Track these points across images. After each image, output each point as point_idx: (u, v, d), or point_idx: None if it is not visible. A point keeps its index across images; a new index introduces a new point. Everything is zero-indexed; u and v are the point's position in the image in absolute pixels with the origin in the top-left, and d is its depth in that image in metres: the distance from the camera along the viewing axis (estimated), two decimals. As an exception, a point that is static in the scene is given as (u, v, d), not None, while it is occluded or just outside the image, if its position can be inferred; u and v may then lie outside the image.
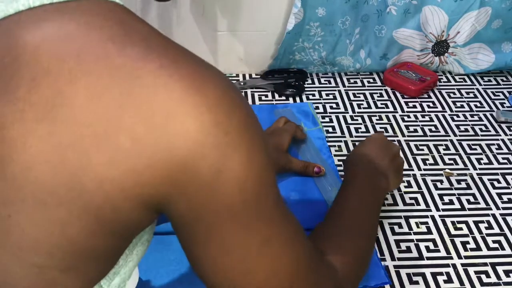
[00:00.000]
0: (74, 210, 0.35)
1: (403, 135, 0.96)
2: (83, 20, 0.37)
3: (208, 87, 0.36)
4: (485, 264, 0.73)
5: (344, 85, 1.10)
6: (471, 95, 1.08)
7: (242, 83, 1.07)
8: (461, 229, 0.79)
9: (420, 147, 0.94)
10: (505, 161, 0.91)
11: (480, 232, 0.78)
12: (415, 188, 0.85)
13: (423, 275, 0.72)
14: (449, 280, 0.71)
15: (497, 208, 0.82)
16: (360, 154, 0.75)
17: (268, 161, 0.40)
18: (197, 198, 0.37)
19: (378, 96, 1.07)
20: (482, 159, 0.91)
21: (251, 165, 0.38)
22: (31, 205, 0.35)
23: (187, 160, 0.35)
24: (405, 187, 0.85)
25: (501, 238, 0.77)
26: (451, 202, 0.83)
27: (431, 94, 1.08)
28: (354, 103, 1.04)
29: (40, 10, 0.38)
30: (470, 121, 1.01)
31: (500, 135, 0.97)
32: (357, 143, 0.93)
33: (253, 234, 0.40)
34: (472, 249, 0.76)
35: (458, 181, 0.87)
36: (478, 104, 1.06)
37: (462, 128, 0.99)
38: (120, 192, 0.35)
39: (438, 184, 0.86)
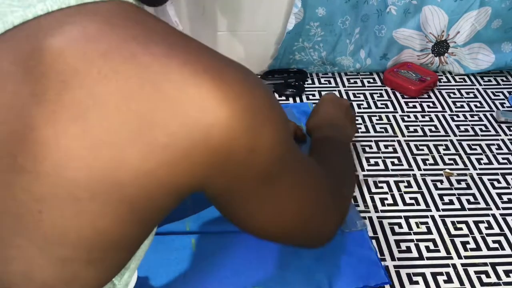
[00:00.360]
0: (107, 202, 0.37)
1: (403, 135, 0.96)
2: (104, 21, 0.39)
3: (231, 77, 0.39)
4: (485, 264, 0.73)
5: (344, 85, 1.10)
6: (471, 95, 1.08)
7: (242, 83, 1.07)
8: (461, 229, 0.79)
9: (420, 147, 0.94)
10: (505, 161, 0.91)
11: (480, 232, 0.78)
12: (415, 188, 0.85)
13: (423, 275, 0.72)
14: (449, 280, 0.71)
15: (497, 208, 0.82)
16: (320, 114, 0.84)
17: (288, 128, 0.45)
18: (234, 174, 0.40)
19: (378, 96, 1.07)
20: (482, 159, 0.91)
21: (277, 137, 0.41)
22: (63, 200, 0.36)
23: (222, 145, 0.38)
24: (405, 187, 0.85)
25: (501, 238, 0.77)
26: (451, 202, 0.83)
27: (431, 94, 1.08)
28: (354, 103, 1.04)
29: (59, 13, 0.39)
30: (470, 121, 1.01)
31: (500, 135, 0.97)
32: (357, 143, 0.93)
33: (281, 184, 0.45)
34: (472, 249, 0.76)
35: (458, 181, 0.87)
36: (478, 104, 1.06)
37: (462, 128, 0.99)
38: (156, 183, 0.37)
39: (438, 184, 0.86)
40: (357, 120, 1.00)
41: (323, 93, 1.07)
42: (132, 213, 0.38)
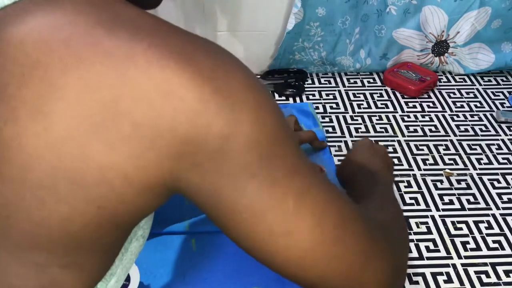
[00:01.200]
0: (75, 204, 0.35)
1: (403, 135, 0.96)
2: (69, 8, 0.36)
3: (200, 58, 0.36)
4: (485, 264, 0.73)
5: (344, 85, 1.10)
6: (471, 95, 1.08)
7: (242, 83, 1.07)
8: (461, 229, 0.79)
9: (420, 147, 0.94)
10: (505, 161, 0.91)
11: (480, 232, 0.78)
12: (415, 188, 0.85)
13: (423, 275, 0.72)
14: (449, 280, 0.71)
15: (497, 208, 0.82)
16: (353, 161, 0.74)
17: (279, 116, 0.38)
18: (209, 166, 0.36)
19: (378, 96, 1.07)
20: (482, 159, 0.91)
21: (261, 122, 0.36)
22: (29, 204, 0.35)
23: (191, 133, 0.35)
24: (405, 187, 0.85)
25: (501, 238, 0.77)
26: (451, 202, 0.83)
27: (431, 94, 1.08)
28: (354, 103, 1.04)
29: (26, 2, 0.37)
30: (470, 121, 1.01)
31: (500, 135, 0.97)
32: (357, 143, 0.93)
33: (281, 189, 0.38)
34: (472, 249, 0.76)
35: (458, 181, 0.87)
36: (478, 104, 1.06)
37: (462, 128, 0.99)
38: (124, 179, 0.35)
39: (438, 184, 0.86)
40: (357, 120, 1.00)
41: (323, 93, 1.07)
42: (102, 216, 0.36)
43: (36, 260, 0.36)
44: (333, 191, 0.42)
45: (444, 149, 0.93)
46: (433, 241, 0.77)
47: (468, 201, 0.83)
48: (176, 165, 0.35)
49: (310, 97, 1.06)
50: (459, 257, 0.74)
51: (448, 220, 0.80)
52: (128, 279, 0.60)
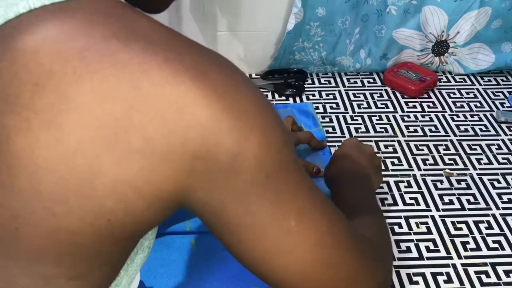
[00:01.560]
0: (85, 216, 0.35)
1: (403, 135, 0.96)
2: (84, 18, 0.36)
3: (213, 75, 0.36)
4: (485, 264, 0.73)
5: (344, 85, 1.10)
6: (471, 95, 1.08)
7: (242, 83, 1.07)
8: (461, 229, 0.79)
9: (420, 147, 0.94)
10: (505, 161, 0.91)
11: (480, 232, 0.78)
12: (415, 188, 0.85)
13: (423, 275, 0.72)
14: (449, 280, 0.71)
15: (497, 208, 0.82)
16: (340, 162, 0.74)
17: (285, 136, 0.39)
18: (217, 183, 0.37)
19: (378, 96, 1.07)
20: (482, 159, 0.91)
21: (268, 143, 0.37)
22: (39, 216, 0.34)
23: (202, 150, 0.35)
24: (405, 187, 0.85)
25: (501, 238, 0.77)
26: (451, 202, 0.83)
27: (431, 94, 1.08)
28: (354, 103, 1.04)
29: (41, 11, 0.36)
30: (470, 121, 1.01)
31: (500, 135, 0.97)
32: (357, 143, 0.93)
33: (284, 208, 0.39)
34: (472, 249, 0.76)
35: (458, 181, 0.87)
36: (478, 104, 1.06)
37: (462, 128, 0.99)
38: (134, 192, 0.35)
39: (438, 184, 0.86)
40: (357, 120, 1.00)
41: (323, 93, 1.07)
42: (111, 228, 0.36)
43: (44, 272, 0.36)
44: (331, 210, 0.43)
45: (444, 149, 0.93)
46: (433, 241, 0.77)
47: (468, 201, 0.83)
48: (186, 180, 0.36)
49: (310, 97, 1.06)
50: (459, 257, 0.74)
51: (448, 220, 0.80)
52: None
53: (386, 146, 0.93)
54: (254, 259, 0.41)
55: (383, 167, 0.89)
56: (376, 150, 0.93)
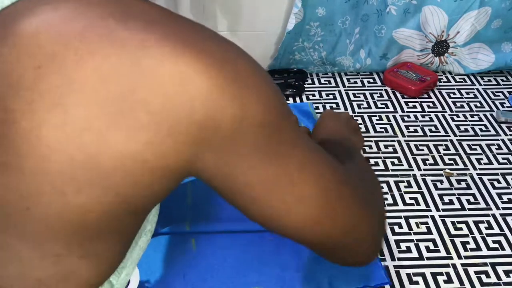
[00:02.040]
0: (93, 192, 0.36)
1: (403, 135, 0.96)
2: (80, 0, 0.37)
3: (211, 48, 0.37)
4: (485, 264, 0.73)
5: (344, 85, 1.10)
6: (471, 95, 1.08)
7: (242, 83, 1.07)
8: (461, 229, 0.79)
9: (420, 147, 0.94)
10: (505, 161, 0.91)
11: (480, 232, 0.78)
12: (415, 188, 0.85)
13: (423, 275, 0.72)
14: (449, 280, 0.71)
15: (497, 208, 0.82)
16: (320, 130, 0.78)
17: (279, 95, 0.41)
18: (224, 148, 0.38)
19: (378, 96, 1.07)
20: (482, 159, 0.91)
21: (267, 103, 0.39)
22: (49, 196, 0.35)
23: (207, 118, 0.36)
24: (405, 187, 0.85)
25: (501, 238, 0.77)
26: (451, 202, 0.83)
27: (431, 94, 1.08)
28: (354, 103, 1.04)
29: None
30: (470, 121, 1.01)
31: (500, 135, 0.97)
32: (357, 143, 0.93)
33: (286, 162, 0.41)
34: (472, 249, 0.76)
35: (458, 181, 0.87)
36: (478, 104, 1.06)
37: (462, 128, 0.99)
38: (141, 166, 0.36)
39: (438, 184, 0.86)
40: (357, 120, 1.00)
41: (323, 93, 1.07)
42: (119, 202, 0.37)
43: (55, 251, 0.37)
44: (328, 158, 0.46)
45: (444, 149, 0.93)
46: (433, 241, 0.77)
47: (468, 201, 0.83)
48: (193, 150, 0.37)
49: (310, 97, 1.06)
50: (459, 257, 0.74)
51: (448, 220, 0.80)
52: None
53: (386, 146, 0.93)
54: (267, 215, 0.42)
55: (383, 167, 0.89)
56: (376, 150, 0.93)
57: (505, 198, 0.84)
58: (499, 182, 0.87)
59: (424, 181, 0.87)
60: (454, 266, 0.73)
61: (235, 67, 0.38)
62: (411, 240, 0.77)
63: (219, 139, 0.37)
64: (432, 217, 0.80)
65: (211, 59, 0.36)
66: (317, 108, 1.03)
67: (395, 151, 0.93)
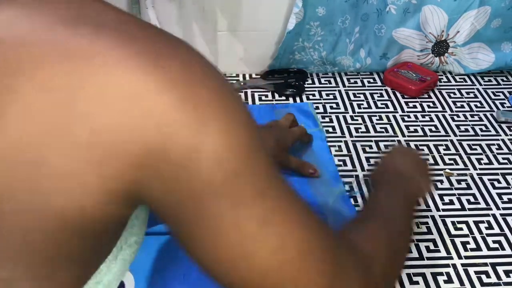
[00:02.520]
0: (35, 214, 0.33)
1: (403, 135, 0.96)
2: (30, 4, 0.34)
3: (169, 61, 0.33)
4: (485, 264, 0.73)
5: (344, 85, 1.10)
6: (471, 95, 1.08)
7: (242, 83, 1.07)
8: (461, 229, 0.79)
9: (420, 147, 0.94)
10: (505, 161, 0.91)
11: (480, 232, 0.78)
12: (415, 188, 0.85)
13: (423, 275, 0.72)
14: (449, 280, 0.71)
15: (497, 208, 0.82)
16: (385, 165, 0.72)
17: (251, 131, 0.36)
18: (171, 179, 0.33)
19: (378, 96, 1.07)
20: (482, 159, 0.91)
21: (230, 139, 0.34)
22: None
23: (155, 142, 0.32)
24: (405, 187, 0.85)
25: (501, 238, 0.77)
26: (451, 202, 0.83)
27: (431, 94, 1.08)
28: (354, 103, 1.04)
29: None
30: (470, 121, 1.01)
31: (500, 135, 0.97)
32: (357, 143, 0.93)
33: (247, 212, 0.36)
34: (472, 249, 0.75)
35: (458, 181, 0.87)
36: (478, 104, 1.06)
37: (462, 128, 0.99)
38: (82, 187, 0.32)
39: (438, 184, 0.86)
40: (357, 120, 1.00)
41: (323, 93, 1.07)
42: (63, 226, 0.33)
43: (2, 275, 0.34)
44: (306, 218, 0.40)
45: (444, 149, 0.93)
46: (433, 241, 0.76)
47: (468, 201, 0.83)
48: (138, 174, 0.33)
49: (310, 97, 1.06)
50: (459, 257, 0.74)
51: (448, 220, 0.80)
52: (122, 285, 0.59)
53: (386, 146, 0.93)
54: (211, 262, 0.38)
55: (383, 167, 0.89)
56: (376, 150, 0.93)
57: (505, 198, 0.84)
58: (499, 182, 0.87)
59: (424, 181, 0.87)
60: (454, 266, 0.73)
61: (196, 87, 0.33)
62: (411, 240, 0.76)
63: (168, 166, 0.33)
64: (432, 217, 0.80)
65: (166, 74, 0.32)
66: (317, 108, 1.03)
67: (395, 151, 0.92)
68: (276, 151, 0.81)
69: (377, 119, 1.00)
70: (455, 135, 0.97)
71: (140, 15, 0.98)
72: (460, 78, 1.14)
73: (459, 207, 0.82)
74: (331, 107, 1.03)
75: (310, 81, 1.11)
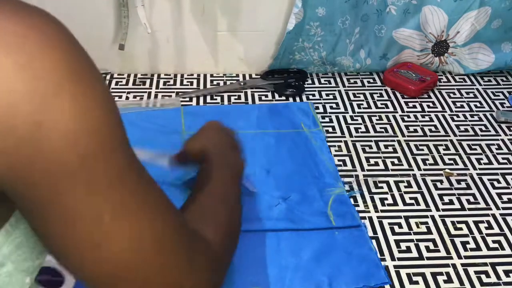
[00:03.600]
0: None
1: (403, 135, 0.96)
2: None
3: (7, 23, 0.30)
4: (485, 264, 0.73)
5: (344, 85, 1.10)
6: (471, 95, 1.08)
7: (242, 83, 1.07)
8: (461, 229, 0.79)
9: (420, 147, 0.94)
10: (505, 161, 0.91)
11: (480, 232, 0.78)
12: (415, 188, 0.85)
13: (423, 275, 0.72)
14: (449, 280, 0.71)
15: (497, 208, 0.82)
16: (203, 137, 0.71)
17: (111, 114, 0.34)
18: (18, 156, 0.30)
19: (378, 96, 1.07)
20: (482, 159, 0.91)
21: (83, 116, 0.31)
22: None
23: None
24: (405, 187, 0.85)
25: (501, 238, 0.77)
26: (451, 202, 0.83)
27: (431, 94, 1.08)
28: (354, 103, 1.04)
29: None
30: (470, 121, 1.01)
31: (500, 135, 0.97)
32: (357, 143, 0.93)
33: (101, 199, 0.34)
34: (472, 249, 0.76)
35: (458, 181, 0.87)
36: (478, 104, 1.06)
37: (462, 128, 0.99)
38: None
39: (438, 184, 0.86)
40: (357, 120, 1.00)
41: (323, 93, 1.07)
42: None
43: None
44: (159, 204, 0.39)
45: (444, 149, 0.93)
46: (433, 241, 0.76)
47: (468, 201, 0.83)
48: None
49: (310, 97, 1.06)
50: (459, 257, 0.74)
51: (448, 220, 0.80)
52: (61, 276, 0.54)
53: (386, 146, 0.93)
54: (62, 248, 0.35)
55: (383, 167, 0.89)
56: (375, 150, 0.93)
57: (505, 198, 0.84)
58: (499, 182, 0.87)
59: (424, 181, 0.87)
60: (454, 266, 0.73)
61: (39, 59, 0.30)
62: (411, 240, 0.76)
63: (13, 143, 0.30)
64: (432, 217, 0.80)
65: (4, 39, 0.29)
66: (317, 108, 1.03)
67: (395, 151, 0.93)
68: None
69: (377, 119, 1.00)
70: (455, 135, 0.97)
71: (128, 12, 0.97)
72: (460, 78, 1.14)
73: (459, 207, 0.82)
74: (331, 107, 1.03)
75: (310, 81, 1.11)
